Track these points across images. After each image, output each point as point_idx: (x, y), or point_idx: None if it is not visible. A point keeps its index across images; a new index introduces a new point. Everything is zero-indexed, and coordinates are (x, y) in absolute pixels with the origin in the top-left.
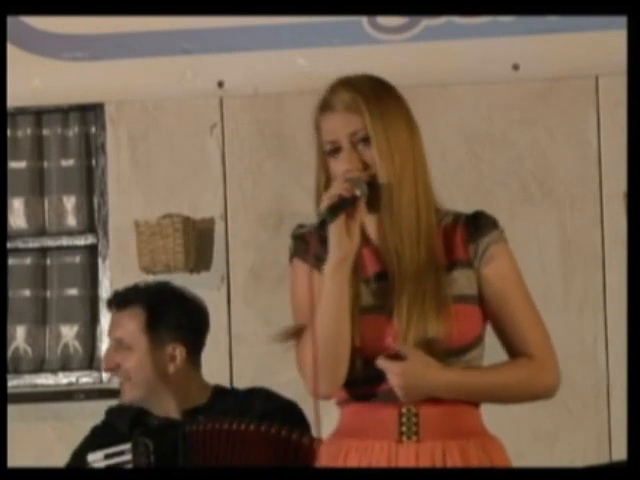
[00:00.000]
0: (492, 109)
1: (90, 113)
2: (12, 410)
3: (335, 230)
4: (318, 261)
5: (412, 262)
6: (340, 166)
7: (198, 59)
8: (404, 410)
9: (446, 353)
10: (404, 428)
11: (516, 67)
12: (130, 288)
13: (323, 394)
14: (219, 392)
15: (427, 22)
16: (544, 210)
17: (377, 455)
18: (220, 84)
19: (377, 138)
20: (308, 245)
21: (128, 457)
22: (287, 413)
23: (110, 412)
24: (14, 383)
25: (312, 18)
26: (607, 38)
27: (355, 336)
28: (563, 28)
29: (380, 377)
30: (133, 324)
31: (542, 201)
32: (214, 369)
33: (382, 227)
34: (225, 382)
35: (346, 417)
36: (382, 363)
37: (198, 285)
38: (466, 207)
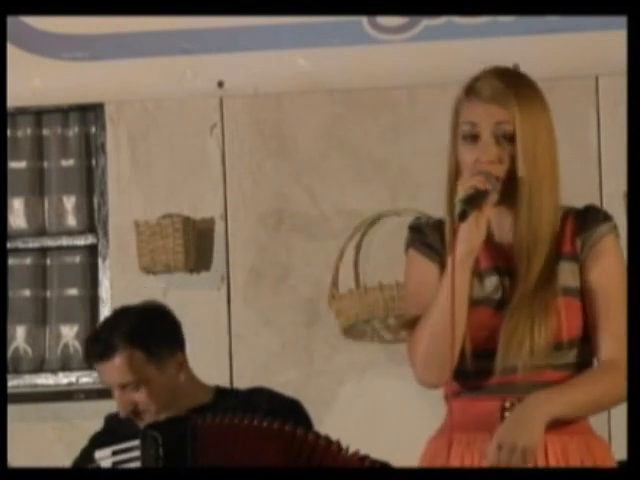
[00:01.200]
0: None
1: (90, 113)
2: (12, 410)
3: (465, 223)
4: (437, 254)
5: (541, 261)
6: (474, 154)
7: (198, 59)
8: (507, 404)
9: (555, 346)
10: None
11: (516, 67)
12: (104, 338)
13: (432, 384)
14: (221, 392)
15: (427, 22)
16: None
17: (480, 448)
18: (220, 84)
19: (524, 136)
20: (425, 236)
21: (136, 453)
22: (291, 412)
23: (111, 419)
24: (14, 383)
25: (312, 18)
26: (607, 38)
27: (466, 328)
28: (563, 28)
29: (487, 370)
30: (131, 365)
31: None
32: (214, 369)
33: (518, 225)
34: (225, 382)
35: (452, 411)
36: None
37: (198, 285)
38: None
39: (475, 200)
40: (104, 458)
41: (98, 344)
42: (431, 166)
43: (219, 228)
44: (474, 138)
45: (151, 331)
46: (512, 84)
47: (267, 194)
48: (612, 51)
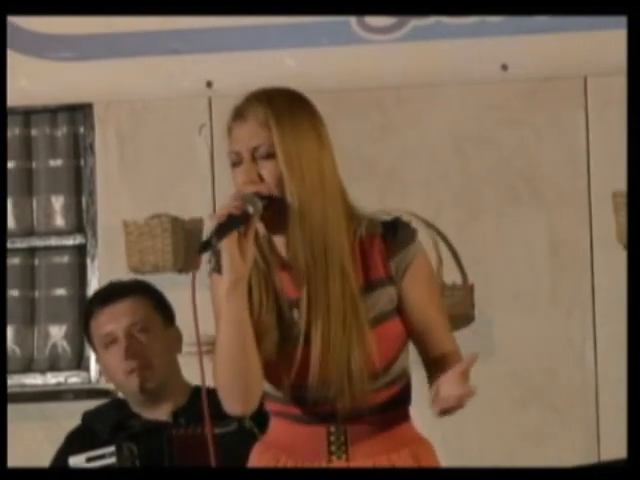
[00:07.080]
0: (480, 109)
1: (79, 113)
2: None
3: (227, 251)
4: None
5: (325, 286)
6: (239, 178)
7: (187, 59)
8: (332, 429)
9: (371, 377)
10: (333, 447)
11: (504, 67)
12: (115, 285)
13: (237, 412)
14: (197, 392)
15: (415, 22)
16: (532, 210)
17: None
18: (209, 84)
19: (284, 153)
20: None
21: (111, 460)
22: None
23: (88, 416)
24: None
25: (300, 18)
26: (596, 39)
27: (283, 363)
28: (551, 28)
29: (307, 400)
30: (143, 308)
31: (530, 201)
32: (211, 369)
33: (292, 248)
34: None
35: (277, 428)
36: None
37: (187, 285)
38: (454, 208)
39: (229, 227)
40: (78, 465)
41: (109, 288)
42: (419, 166)
43: (208, 228)
44: (240, 164)
45: (159, 293)
46: (274, 105)
47: None
48: (601, 52)
